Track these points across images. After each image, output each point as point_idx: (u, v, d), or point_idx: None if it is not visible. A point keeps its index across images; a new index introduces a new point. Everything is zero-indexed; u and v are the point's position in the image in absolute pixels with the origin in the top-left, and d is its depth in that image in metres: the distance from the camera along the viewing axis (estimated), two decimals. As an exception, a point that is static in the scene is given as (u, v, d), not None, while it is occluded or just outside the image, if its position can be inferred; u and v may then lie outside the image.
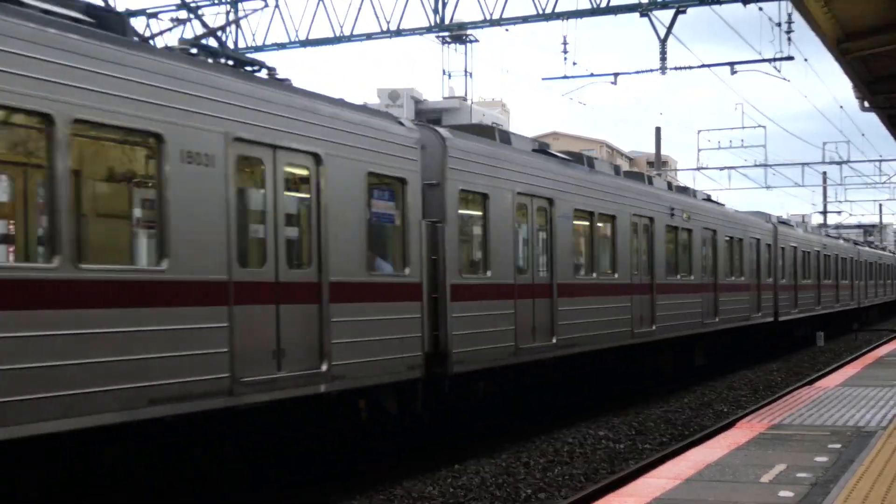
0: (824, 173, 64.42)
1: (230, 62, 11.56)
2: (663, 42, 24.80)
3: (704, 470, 9.27)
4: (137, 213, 9.90)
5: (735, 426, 12.31)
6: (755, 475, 8.96)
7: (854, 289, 48.23)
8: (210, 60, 11.05)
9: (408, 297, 13.15)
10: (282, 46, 27.32)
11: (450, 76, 45.44)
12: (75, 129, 8.53)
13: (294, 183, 11.41)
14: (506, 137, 16.77)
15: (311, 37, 27.01)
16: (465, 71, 44.69)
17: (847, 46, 16.82)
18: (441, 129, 14.46)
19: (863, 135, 65.73)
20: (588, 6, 23.83)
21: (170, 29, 27.18)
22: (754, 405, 19.87)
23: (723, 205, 32.34)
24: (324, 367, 11.35)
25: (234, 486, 11.22)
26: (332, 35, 26.77)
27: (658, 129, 47.86)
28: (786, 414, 12.81)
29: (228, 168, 10.14)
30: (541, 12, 24.26)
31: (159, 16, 28.35)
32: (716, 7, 23.22)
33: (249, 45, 27.55)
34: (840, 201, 71.18)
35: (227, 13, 27.63)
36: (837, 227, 74.03)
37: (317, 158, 11.46)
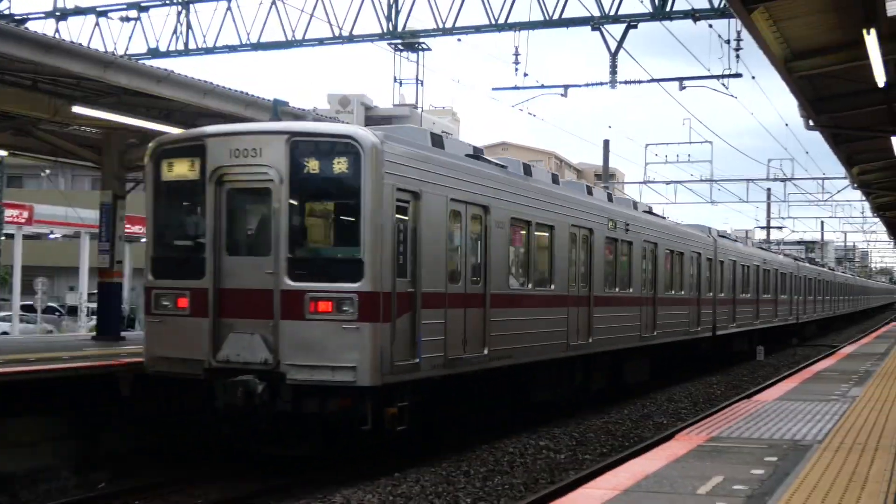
0: (768, 189, 65.29)
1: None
2: (614, 56, 24.97)
3: (643, 481, 9.32)
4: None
5: (674, 438, 12.38)
6: (692, 487, 9.03)
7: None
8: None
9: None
10: (233, 49, 27.18)
11: (401, 84, 45.59)
12: None
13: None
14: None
15: (263, 40, 26.93)
16: (417, 79, 44.91)
17: (794, 65, 17.08)
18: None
19: (807, 153, 66.61)
20: (540, 18, 23.97)
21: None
22: (693, 418, 20.03)
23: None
24: None
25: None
26: (283, 39, 26.71)
27: (606, 142, 48.08)
28: (724, 427, 12.91)
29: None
30: (493, 22, 24.36)
31: (109, 14, 28.13)
32: (666, 23, 23.46)
33: (200, 47, 27.39)
34: (783, 217, 72.21)
35: (178, 13, 27.45)
36: (779, 243, 75.02)
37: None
